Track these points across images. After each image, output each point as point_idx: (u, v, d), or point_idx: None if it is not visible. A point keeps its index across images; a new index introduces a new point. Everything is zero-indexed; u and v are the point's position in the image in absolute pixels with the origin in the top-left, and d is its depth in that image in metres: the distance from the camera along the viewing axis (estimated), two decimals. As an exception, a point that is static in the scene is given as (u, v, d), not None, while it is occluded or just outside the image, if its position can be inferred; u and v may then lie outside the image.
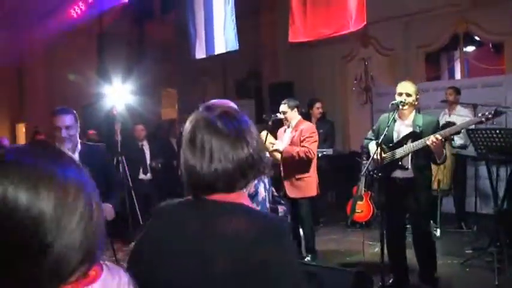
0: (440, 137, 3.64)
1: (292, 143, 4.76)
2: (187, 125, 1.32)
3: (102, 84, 6.69)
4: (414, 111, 4.06)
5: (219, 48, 6.00)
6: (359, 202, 6.28)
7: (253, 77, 10.59)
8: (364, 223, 6.40)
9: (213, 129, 1.25)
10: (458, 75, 8.56)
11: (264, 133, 4.68)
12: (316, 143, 4.81)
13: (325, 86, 9.07)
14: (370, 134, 4.37)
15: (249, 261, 1.13)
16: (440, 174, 5.82)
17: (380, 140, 3.75)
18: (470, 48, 8.62)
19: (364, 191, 6.32)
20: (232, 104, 2.49)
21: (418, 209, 3.99)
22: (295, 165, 4.76)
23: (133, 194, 6.22)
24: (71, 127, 3.05)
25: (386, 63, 8.51)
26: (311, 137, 4.69)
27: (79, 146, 3.12)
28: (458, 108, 6.05)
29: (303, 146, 4.64)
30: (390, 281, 4.13)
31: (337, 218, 6.84)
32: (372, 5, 7.63)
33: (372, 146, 4.07)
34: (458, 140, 5.96)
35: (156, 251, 1.26)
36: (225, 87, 11.19)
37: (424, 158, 3.91)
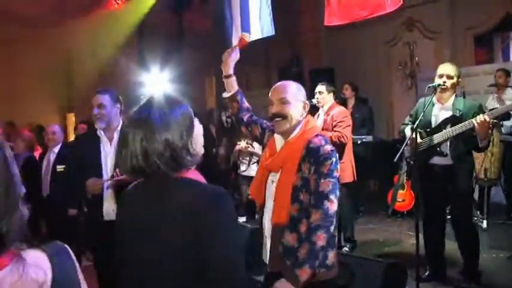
0: (488, 118, 3.37)
1: (324, 128, 4.63)
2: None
3: (141, 73, 6.78)
4: (454, 95, 3.82)
5: (255, 35, 5.87)
6: (400, 191, 6.06)
7: (295, 63, 10.45)
8: (405, 213, 6.19)
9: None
10: (512, 57, 8.07)
11: None
12: (350, 128, 4.67)
13: (368, 71, 8.79)
14: (407, 119, 4.17)
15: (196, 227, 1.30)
16: (487, 163, 5.50)
17: (415, 124, 3.56)
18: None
19: (406, 179, 6.09)
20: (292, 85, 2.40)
21: (458, 198, 3.76)
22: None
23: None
24: (104, 106, 3.03)
25: (433, 47, 8.13)
26: (343, 121, 4.55)
27: (119, 128, 3.03)
28: (508, 91, 5.68)
29: (335, 131, 4.51)
30: (426, 274, 3.95)
31: (379, 207, 6.64)
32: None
33: (408, 132, 3.88)
34: (506, 127, 5.61)
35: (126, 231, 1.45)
36: (267, 75, 11.10)
37: (465, 144, 3.66)
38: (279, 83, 2.38)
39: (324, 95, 4.83)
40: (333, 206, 2.08)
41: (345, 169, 4.66)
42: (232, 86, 2.50)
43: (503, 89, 5.78)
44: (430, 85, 3.68)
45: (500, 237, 5.19)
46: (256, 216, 2.44)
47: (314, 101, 4.86)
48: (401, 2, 4.14)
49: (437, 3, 7.89)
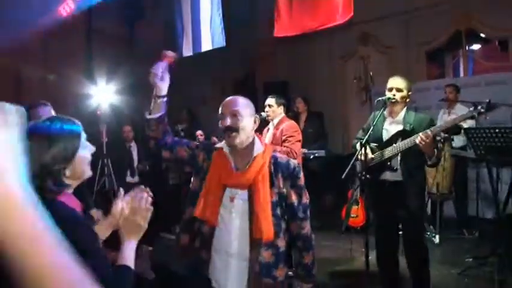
0: (429, 135, 3.32)
1: (273, 143, 4.45)
2: None
3: (87, 85, 6.46)
4: (405, 108, 3.74)
5: (206, 46, 5.74)
6: (354, 207, 5.97)
7: (250, 77, 10.34)
8: (359, 228, 6.08)
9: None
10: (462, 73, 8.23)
11: None
12: (300, 143, 4.49)
13: (323, 85, 8.77)
14: (360, 134, 4.06)
15: None
16: (439, 177, 5.49)
17: (364, 139, 3.45)
18: (476, 46, 8.31)
19: (360, 195, 6.01)
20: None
21: (409, 215, 3.64)
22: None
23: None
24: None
25: (386, 62, 8.18)
26: (293, 136, 4.37)
27: None
28: (458, 106, 5.72)
29: (284, 146, 4.32)
30: (378, 293, 3.83)
31: (333, 223, 6.51)
32: (371, 2, 7.38)
33: (359, 146, 3.76)
34: (457, 141, 5.64)
35: None
36: (223, 88, 10.93)
37: (415, 159, 3.55)
38: (230, 97, 2.35)
39: (273, 108, 4.66)
40: None
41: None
42: (162, 107, 2.33)
43: (453, 104, 5.82)
44: (380, 98, 3.59)
45: (452, 252, 5.17)
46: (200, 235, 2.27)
47: (264, 114, 4.69)
48: (352, 13, 4.08)
49: (391, 19, 7.96)
